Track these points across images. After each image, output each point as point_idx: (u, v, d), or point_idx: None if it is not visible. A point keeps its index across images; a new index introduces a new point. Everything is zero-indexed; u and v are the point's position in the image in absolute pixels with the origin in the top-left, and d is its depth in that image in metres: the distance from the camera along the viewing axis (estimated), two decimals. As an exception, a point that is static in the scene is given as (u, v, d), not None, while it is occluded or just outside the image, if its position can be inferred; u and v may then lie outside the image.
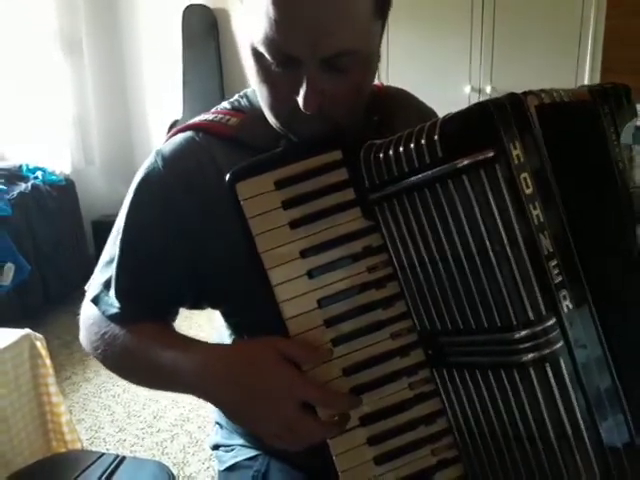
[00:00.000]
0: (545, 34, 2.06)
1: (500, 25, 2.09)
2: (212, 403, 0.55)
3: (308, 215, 0.50)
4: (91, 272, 0.66)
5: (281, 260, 0.50)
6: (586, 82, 2.05)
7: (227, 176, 0.50)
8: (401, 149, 0.46)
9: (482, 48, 2.13)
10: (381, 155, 0.47)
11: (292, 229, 0.50)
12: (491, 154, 0.42)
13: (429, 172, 0.44)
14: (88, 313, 0.62)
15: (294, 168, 0.50)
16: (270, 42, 0.48)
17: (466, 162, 0.42)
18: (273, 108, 0.54)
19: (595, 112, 0.46)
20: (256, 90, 0.55)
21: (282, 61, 0.49)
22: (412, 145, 0.45)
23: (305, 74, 0.49)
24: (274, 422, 0.49)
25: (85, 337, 0.62)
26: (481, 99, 2.18)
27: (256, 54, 0.51)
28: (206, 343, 0.55)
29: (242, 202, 0.50)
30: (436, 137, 0.43)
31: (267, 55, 0.50)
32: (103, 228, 2.17)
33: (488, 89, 2.16)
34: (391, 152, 0.46)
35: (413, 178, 0.45)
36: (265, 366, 0.49)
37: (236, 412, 0.52)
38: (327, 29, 0.47)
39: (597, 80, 2.04)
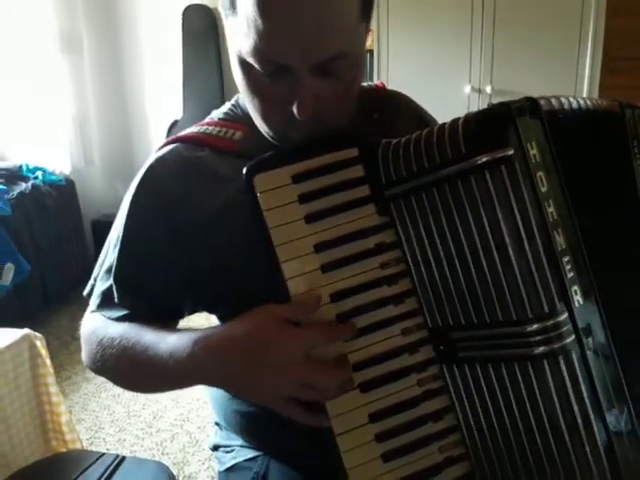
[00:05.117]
0: (545, 34, 2.07)
1: (500, 25, 2.10)
2: (216, 384, 0.53)
3: (323, 210, 0.50)
4: (91, 272, 0.66)
5: (295, 254, 0.50)
6: (586, 81, 2.06)
7: (244, 169, 0.51)
8: (422, 145, 0.47)
9: (482, 48, 2.14)
10: (401, 151, 0.48)
11: (307, 223, 0.50)
12: (511, 152, 0.43)
13: (450, 168, 0.45)
14: (88, 327, 0.62)
15: (311, 163, 0.51)
16: (260, 53, 0.48)
17: (487, 158, 0.43)
18: (266, 118, 0.54)
19: (622, 122, 0.50)
20: (247, 102, 0.56)
21: (273, 71, 0.49)
22: (434, 141, 0.46)
23: (297, 81, 0.49)
24: (288, 383, 0.48)
25: (86, 351, 0.61)
26: (481, 99, 2.19)
27: (245, 66, 0.51)
28: (197, 330, 0.53)
29: (259, 195, 0.50)
30: (460, 134, 0.45)
31: (257, 66, 0.50)
32: (103, 228, 2.15)
33: (488, 89, 2.16)
34: (411, 148, 0.47)
35: (433, 174, 0.46)
36: (263, 332, 0.48)
37: (244, 387, 0.50)
38: (317, 35, 0.47)
39: (597, 79, 2.05)
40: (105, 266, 0.62)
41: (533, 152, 0.44)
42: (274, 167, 0.50)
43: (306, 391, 0.48)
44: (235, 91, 0.59)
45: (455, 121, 0.46)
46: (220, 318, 0.65)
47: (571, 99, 0.49)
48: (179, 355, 0.51)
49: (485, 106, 0.47)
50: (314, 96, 0.50)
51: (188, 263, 0.58)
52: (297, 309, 0.49)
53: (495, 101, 0.46)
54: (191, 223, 0.58)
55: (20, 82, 2.50)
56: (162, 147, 0.63)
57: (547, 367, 0.45)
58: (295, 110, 0.50)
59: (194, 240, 0.58)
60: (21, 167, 2.41)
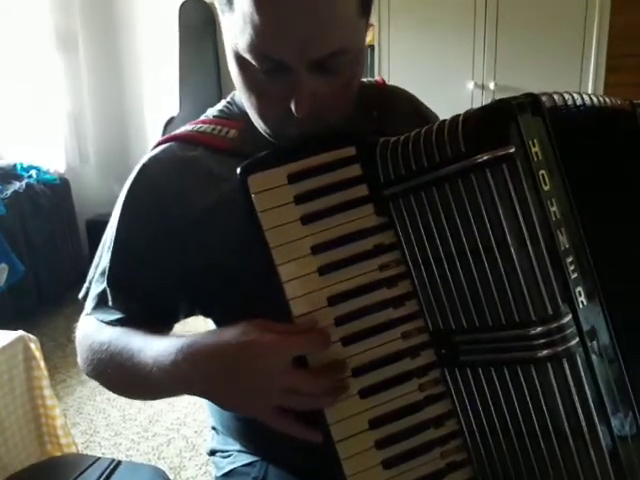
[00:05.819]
0: (549, 30, 2.07)
1: (503, 21, 2.10)
2: (201, 393, 0.52)
3: (320, 211, 0.49)
4: (85, 272, 0.65)
5: (292, 256, 0.49)
6: (591, 78, 2.06)
7: (238, 169, 0.50)
8: (421, 144, 0.46)
9: (485, 44, 2.13)
10: (400, 149, 0.47)
11: (304, 225, 0.49)
12: (512, 150, 0.42)
13: (450, 166, 0.44)
14: (82, 331, 0.61)
15: (307, 162, 0.50)
16: (257, 49, 0.47)
17: (488, 157, 0.43)
18: (263, 115, 0.53)
19: (634, 119, 0.51)
20: (243, 98, 0.55)
21: (270, 67, 0.49)
22: (433, 140, 0.45)
23: (295, 78, 0.48)
24: (275, 390, 0.46)
25: (79, 355, 0.61)
26: (484, 95, 2.18)
27: (242, 62, 0.50)
28: (183, 337, 0.52)
29: (253, 195, 0.49)
30: (459, 132, 0.44)
31: (254, 62, 0.49)
32: (98, 227, 2.13)
33: (491, 85, 2.16)
34: (410, 147, 0.46)
35: (433, 172, 0.45)
36: (249, 339, 0.46)
37: (230, 396, 0.49)
38: (315, 32, 0.46)
39: (602, 76, 2.05)
40: (100, 268, 0.62)
41: (535, 150, 0.43)
42: (269, 167, 0.49)
43: (293, 397, 0.47)
44: (233, 87, 0.58)
45: (454, 118, 0.45)
46: (215, 322, 0.64)
47: (575, 95, 0.48)
48: (162, 363, 0.50)
49: (488, 102, 0.46)
50: (312, 93, 0.49)
51: (182, 261, 0.58)
52: (291, 328, 0.48)
53: (499, 97, 0.45)
54: (184, 219, 0.57)
55: (16, 80, 2.49)
56: (156, 146, 0.62)
57: (551, 370, 0.44)
58: (292, 107, 0.49)
59: (187, 237, 0.57)
60: (15, 166, 2.40)
